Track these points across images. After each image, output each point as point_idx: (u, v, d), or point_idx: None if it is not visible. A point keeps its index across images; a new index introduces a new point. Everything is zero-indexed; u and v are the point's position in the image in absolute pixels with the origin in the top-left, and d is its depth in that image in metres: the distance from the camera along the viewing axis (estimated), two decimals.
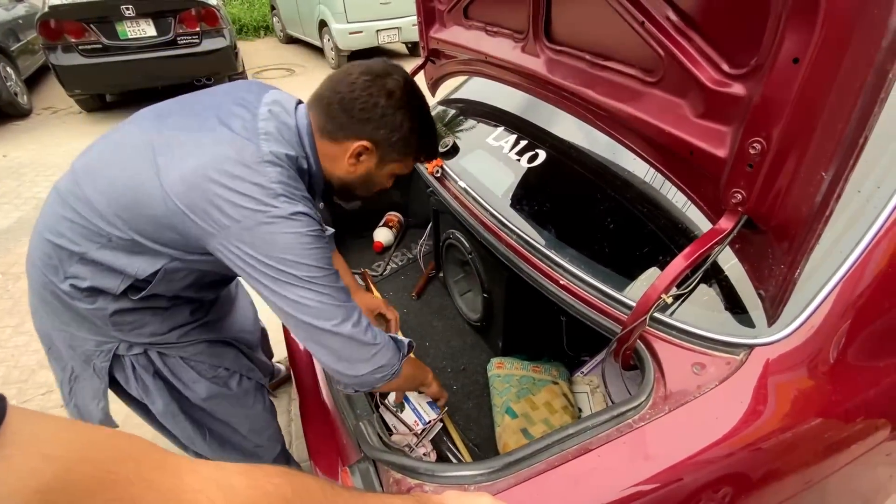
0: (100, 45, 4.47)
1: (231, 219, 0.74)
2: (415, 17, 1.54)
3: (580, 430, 0.73)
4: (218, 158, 0.75)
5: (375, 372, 0.85)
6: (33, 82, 5.94)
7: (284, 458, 1.37)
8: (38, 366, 2.12)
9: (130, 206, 0.79)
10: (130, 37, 4.56)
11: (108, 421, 1.05)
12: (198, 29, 4.77)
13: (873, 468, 1.02)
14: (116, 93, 5.45)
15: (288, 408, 1.88)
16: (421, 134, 0.90)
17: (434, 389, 1.13)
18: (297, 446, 1.75)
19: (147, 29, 4.61)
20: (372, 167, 0.90)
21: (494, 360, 1.39)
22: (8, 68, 4.97)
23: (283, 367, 1.88)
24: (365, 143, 0.85)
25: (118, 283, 0.87)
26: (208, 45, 4.86)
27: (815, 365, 0.81)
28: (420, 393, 1.16)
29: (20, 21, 5.65)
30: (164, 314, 0.97)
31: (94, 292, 0.88)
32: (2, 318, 2.37)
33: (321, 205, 1.10)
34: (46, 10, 4.29)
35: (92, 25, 4.39)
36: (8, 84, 4.87)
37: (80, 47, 4.42)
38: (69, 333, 0.95)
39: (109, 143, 0.87)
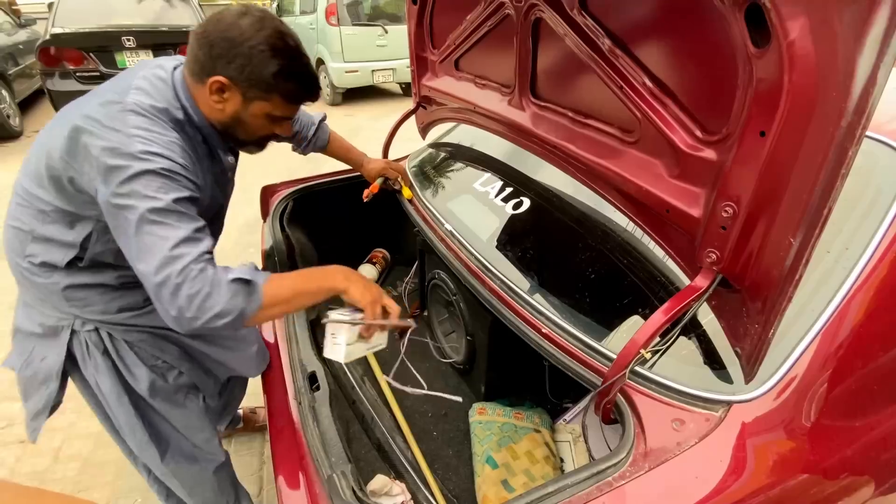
0: (97, 73, 4.54)
1: (94, 160, 0.81)
2: (409, 60, 1.60)
3: (560, 488, 0.72)
4: (90, 112, 0.84)
5: (212, 320, 0.80)
6: (27, 105, 5.96)
7: (228, 475, 1.33)
8: (2, 397, 2.02)
9: (44, 175, 0.89)
10: (129, 66, 4.64)
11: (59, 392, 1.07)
12: None
13: None
14: None
15: (261, 450, 1.80)
16: (280, 68, 0.87)
17: (354, 294, 0.95)
18: (268, 492, 1.67)
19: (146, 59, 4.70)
20: (238, 107, 0.91)
21: (476, 406, 1.36)
22: (3, 91, 4.99)
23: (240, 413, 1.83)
24: (220, 78, 0.87)
25: (63, 256, 0.94)
26: None
27: (793, 423, 0.81)
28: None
29: (20, 46, 5.73)
30: (114, 294, 1.02)
31: (47, 267, 0.96)
32: None
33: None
34: (48, 37, 4.37)
35: (91, 54, 4.48)
36: (1, 106, 4.87)
37: (77, 74, 4.48)
38: (38, 311, 1.03)
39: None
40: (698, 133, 0.74)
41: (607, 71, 0.85)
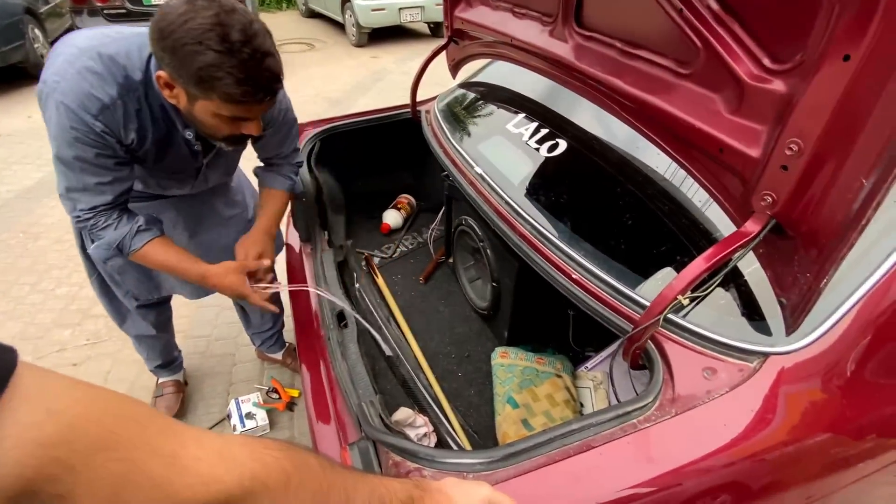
0: (124, 10, 4.49)
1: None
2: None
3: (583, 427, 0.72)
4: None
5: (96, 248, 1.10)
6: None
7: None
8: (53, 324, 2.16)
9: None
10: (154, 3, 4.56)
11: None
12: None
13: (878, 488, 1.00)
14: None
15: (290, 382, 1.90)
16: (207, 65, 0.78)
17: (220, 285, 1.13)
18: (299, 425, 1.78)
19: None
20: (186, 104, 0.87)
21: (499, 350, 1.38)
22: (36, 30, 4.98)
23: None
24: (161, 73, 0.83)
25: None
26: None
27: (831, 378, 0.78)
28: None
29: None
30: None
31: None
32: (20, 276, 2.42)
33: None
34: None
35: None
36: (35, 46, 4.89)
37: (105, 11, 4.44)
38: None
39: None
40: (766, 62, 0.66)
41: None
